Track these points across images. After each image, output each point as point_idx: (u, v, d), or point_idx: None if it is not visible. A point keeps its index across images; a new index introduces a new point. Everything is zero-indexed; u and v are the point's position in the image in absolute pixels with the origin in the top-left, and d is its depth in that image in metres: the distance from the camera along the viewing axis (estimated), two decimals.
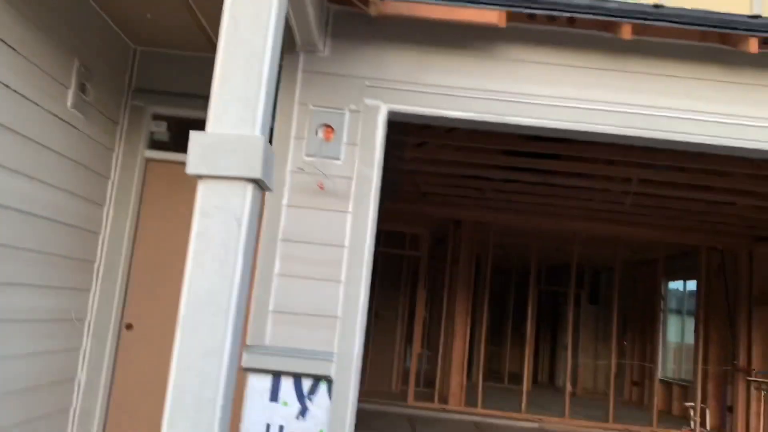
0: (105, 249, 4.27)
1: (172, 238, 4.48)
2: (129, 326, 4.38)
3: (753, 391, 8.82)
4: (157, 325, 4.41)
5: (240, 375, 2.45)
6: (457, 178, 7.91)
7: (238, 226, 2.23)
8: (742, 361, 9.13)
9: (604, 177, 7.31)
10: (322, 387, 3.39)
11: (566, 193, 8.08)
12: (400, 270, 10.50)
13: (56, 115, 3.57)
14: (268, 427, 3.35)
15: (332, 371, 3.38)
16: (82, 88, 3.77)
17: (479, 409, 9.02)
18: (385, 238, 9.04)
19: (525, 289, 10.61)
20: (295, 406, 3.37)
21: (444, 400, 9.24)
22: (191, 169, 2.21)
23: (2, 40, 3.02)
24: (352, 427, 3.34)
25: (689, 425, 9.04)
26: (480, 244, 9.90)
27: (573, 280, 9.74)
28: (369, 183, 3.54)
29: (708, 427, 8.96)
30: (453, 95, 3.59)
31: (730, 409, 9.16)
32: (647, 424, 9.07)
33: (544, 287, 11.80)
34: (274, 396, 3.38)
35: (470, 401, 9.25)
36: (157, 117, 4.50)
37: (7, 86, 3.09)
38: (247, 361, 3.34)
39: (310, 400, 3.38)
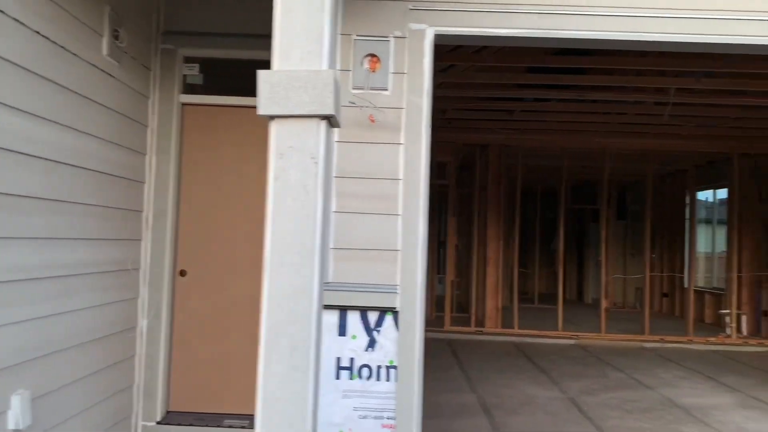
0: (152, 198, 4.25)
1: (216, 181, 4.45)
2: (182, 273, 4.41)
3: None
4: (209, 269, 4.44)
5: None
6: (484, 101, 7.75)
7: (315, 165, 2.17)
8: None
9: (636, 89, 7.13)
10: (388, 319, 3.42)
11: (597, 108, 7.91)
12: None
13: (94, 65, 3.47)
14: (338, 360, 3.41)
15: (397, 303, 3.40)
16: (115, 34, 3.64)
17: (516, 330, 9.18)
18: None
19: (550, 209, 10.55)
20: (364, 338, 3.42)
21: (480, 323, 9.41)
22: (262, 110, 2.13)
23: None
24: (422, 357, 3.39)
25: (724, 332, 9.18)
26: (508, 167, 9.81)
27: (605, 197, 9.65)
28: (419, 112, 3.44)
29: (744, 332, 9.08)
30: (501, 11, 3.43)
31: (766, 314, 9.25)
32: (682, 333, 9.20)
33: (572, 206, 11.75)
34: (342, 330, 3.42)
35: (506, 323, 9.41)
36: (188, 59, 4.37)
37: (46, 38, 2.99)
38: None
39: (377, 332, 3.41)
